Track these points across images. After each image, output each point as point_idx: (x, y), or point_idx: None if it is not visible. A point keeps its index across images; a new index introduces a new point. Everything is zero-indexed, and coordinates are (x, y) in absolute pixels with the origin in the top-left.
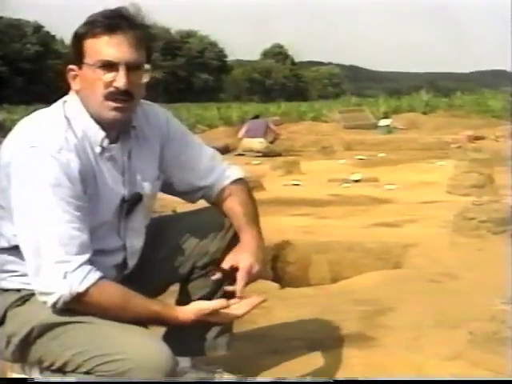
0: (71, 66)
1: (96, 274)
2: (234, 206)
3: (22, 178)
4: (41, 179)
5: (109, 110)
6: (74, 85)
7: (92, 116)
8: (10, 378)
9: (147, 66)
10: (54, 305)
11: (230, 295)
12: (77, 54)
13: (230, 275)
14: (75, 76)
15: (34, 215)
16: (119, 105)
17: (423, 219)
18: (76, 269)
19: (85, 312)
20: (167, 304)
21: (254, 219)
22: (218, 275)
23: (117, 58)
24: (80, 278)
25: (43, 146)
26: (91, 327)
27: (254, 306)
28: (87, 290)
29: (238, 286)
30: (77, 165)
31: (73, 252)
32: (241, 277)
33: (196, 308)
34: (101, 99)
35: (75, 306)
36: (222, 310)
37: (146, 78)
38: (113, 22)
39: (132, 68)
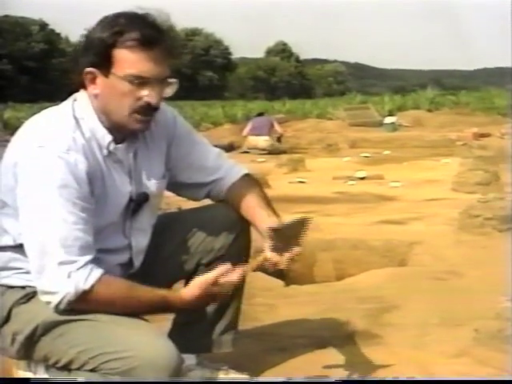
0: (91, 70)
1: (99, 271)
2: (248, 198)
3: (28, 178)
4: (47, 180)
5: (135, 123)
6: (93, 88)
7: (109, 121)
8: (13, 377)
9: (174, 80)
10: (58, 305)
11: None
12: (102, 61)
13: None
14: (94, 79)
15: (39, 216)
16: (146, 118)
17: (428, 217)
18: (79, 268)
19: (89, 310)
20: (170, 289)
21: (271, 208)
22: (226, 266)
23: (152, 75)
24: (84, 275)
25: (51, 146)
26: (97, 325)
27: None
28: (92, 286)
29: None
30: (84, 166)
31: (77, 253)
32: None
33: (199, 281)
34: (128, 112)
35: (78, 305)
36: (224, 279)
37: (172, 90)
38: (148, 35)
39: (161, 81)
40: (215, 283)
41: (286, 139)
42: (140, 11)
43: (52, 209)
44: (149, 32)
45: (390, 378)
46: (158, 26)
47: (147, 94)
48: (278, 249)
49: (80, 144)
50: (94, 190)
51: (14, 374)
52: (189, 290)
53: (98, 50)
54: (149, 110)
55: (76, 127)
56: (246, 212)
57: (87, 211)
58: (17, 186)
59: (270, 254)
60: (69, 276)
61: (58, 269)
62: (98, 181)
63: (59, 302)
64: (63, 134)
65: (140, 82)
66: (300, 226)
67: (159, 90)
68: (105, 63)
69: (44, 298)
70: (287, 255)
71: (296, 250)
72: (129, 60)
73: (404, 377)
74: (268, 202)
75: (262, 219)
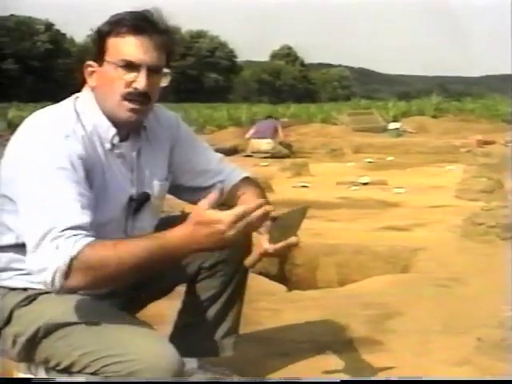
0: (89, 62)
1: (87, 238)
2: (251, 196)
3: (26, 162)
4: (44, 163)
5: (125, 111)
6: (91, 81)
7: (105, 113)
8: (13, 378)
9: (167, 71)
10: (52, 282)
11: None
12: (98, 51)
13: None
14: (92, 72)
15: (34, 198)
16: (136, 106)
17: (432, 223)
18: (67, 238)
19: (87, 281)
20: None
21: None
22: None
23: (140, 60)
24: (71, 243)
25: (50, 135)
26: (98, 328)
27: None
28: (80, 252)
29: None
30: (81, 153)
31: (68, 229)
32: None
33: (197, 207)
34: (118, 98)
35: (73, 278)
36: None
37: (164, 83)
38: (139, 23)
39: (152, 71)
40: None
41: (290, 143)
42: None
43: (46, 190)
44: (140, 21)
45: (389, 378)
46: (152, 18)
47: (135, 79)
48: (276, 239)
49: (79, 135)
50: (92, 182)
51: (14, 376)
52: (186, 222)
53: (95, 42)
54: (138, 97)
55: (77, 120)
56: None
57: (83, 196)
58: (15, 174)
59: (267, 245)
60: (57, 247)
61: (49, 245)
62: (97, 174)
63: (53, 279)
64: (63, 124)
65: (128, 66)
66: (298, 215)
67: (148, 78)
68: (100, 53)
69: (38, 278)
70: (282, 243)
71: (293, 239)
72: (119, 46)
73: (403, 379)
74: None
75: None
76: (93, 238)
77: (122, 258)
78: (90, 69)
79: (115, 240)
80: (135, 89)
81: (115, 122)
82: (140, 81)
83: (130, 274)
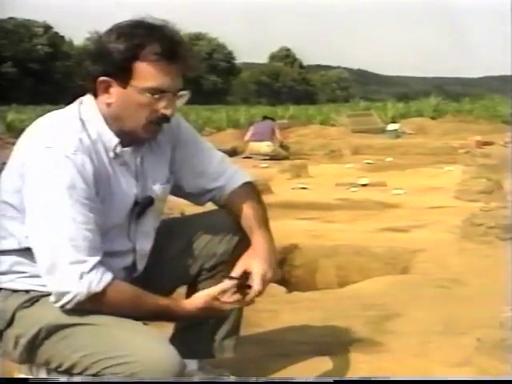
0: (105, 79)
1: (110, 275)
2: (245, 208)
3: (36, 179)
4: (56, 181)
5: (148, 132)
6: (108, 97)
7: (106, 122)
8: (11, 377)
9: (186, 92)
10: (65, 304)
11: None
12: (120, 72)
13: (243, 281)
14: (108, 88)
15: (48, 216)
16: (159, 127)
17: (431, 224)
18: (91, 269)
19: (95, 310)
20: (174, 298)
21: (265, 222)
22: (230, 283)
23: (170, 87)
24: (97, 278)
25: (59, 147)
26: (99, 329)
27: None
28: (104, 290)
29: (252, 294)
30: (91, 167)
31: (87, 253)
32: (256, 284)
33: (203, 294)
34: (145, 122)
35: (87, 306)
36: (227, 304)
37: (181, 102)
38: (169, 49)
39: (176, 92)
40: (217, 298)
41: (288, 145)
42: (150, 20)
43: (61, 209)
44: (169, 46)
45: (385, 380)
46: (177, 38)
47: (165, 106)
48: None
49: (86, 145)
50: (98, 191)
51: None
52: (192, 302)
53: (117, 62)
54: (162, 120)
55: (82, 129)
56: (243, 223)
57: (95, 212)
58: (24, 187)
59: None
60: (81, 277)
61: (70, 268)
62: (103, 182)
63: (68, 302)
64: (70, 135)
65: (159, 94)
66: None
67: (174, 102)
68: (123, 74)
69: (53, 298)
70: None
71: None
72: (150, 73)
73: (399, 379)
74: (263, 215)
75: (256, 239)
76: (112, 275)
77: (136, 308)
78: (104, 84)
79: (137, 291)
80: (163, 115)
81: (127, 136)
82: (169, 108)
83: (134, 315)
